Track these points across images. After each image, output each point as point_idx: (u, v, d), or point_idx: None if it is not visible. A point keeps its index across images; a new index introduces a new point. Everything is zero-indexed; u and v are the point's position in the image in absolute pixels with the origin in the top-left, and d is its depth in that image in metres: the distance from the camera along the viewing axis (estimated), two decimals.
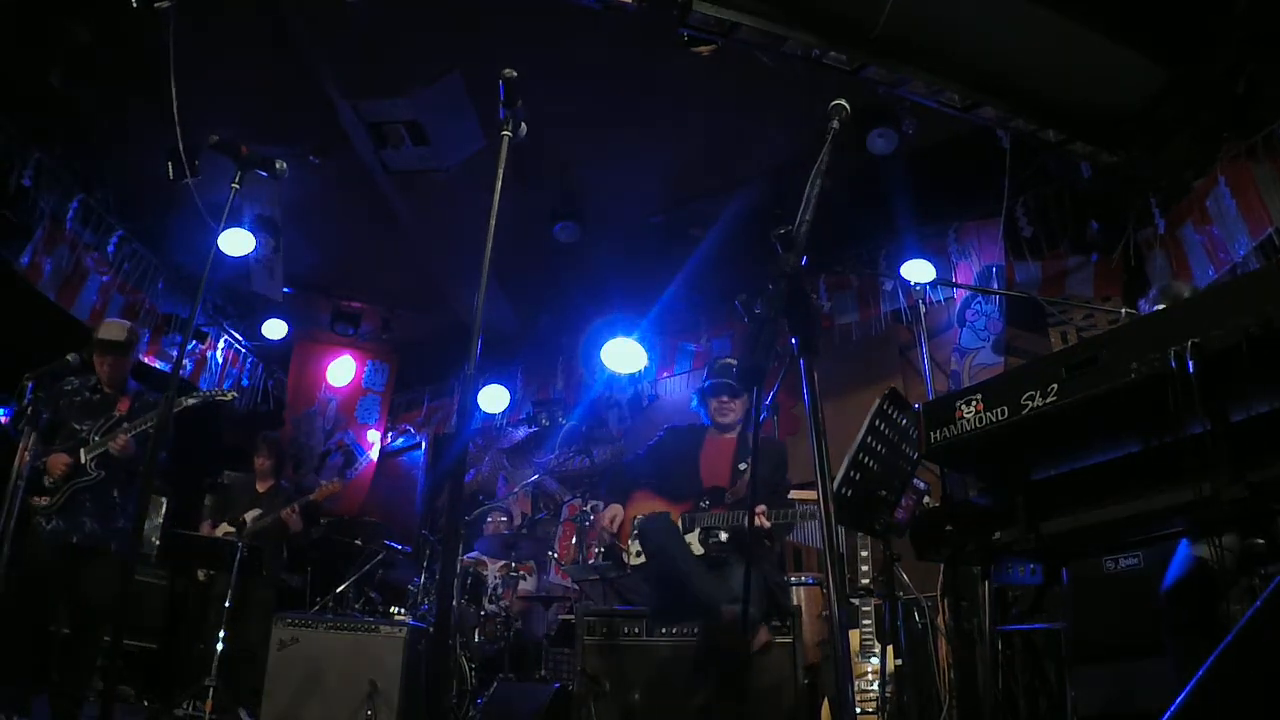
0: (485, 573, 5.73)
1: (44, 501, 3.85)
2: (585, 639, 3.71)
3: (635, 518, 3.81)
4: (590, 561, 5.55)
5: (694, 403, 4.24)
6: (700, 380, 4.30)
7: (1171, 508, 1.64)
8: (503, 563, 5.78)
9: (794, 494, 3.91)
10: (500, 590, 5.63)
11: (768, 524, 3.51)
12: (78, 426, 4.00)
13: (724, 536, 3.76)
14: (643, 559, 3.70)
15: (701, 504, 3.86)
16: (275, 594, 5.34)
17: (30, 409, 3.54)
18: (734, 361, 4.09)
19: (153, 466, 2.76)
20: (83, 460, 3.93)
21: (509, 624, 5.48)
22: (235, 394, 4.48)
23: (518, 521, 7.31)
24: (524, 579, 5.75)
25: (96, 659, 4.05)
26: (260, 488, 5.57)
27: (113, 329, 4.26)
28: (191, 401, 4.25)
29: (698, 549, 3.74)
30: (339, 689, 4.46)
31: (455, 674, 4.95)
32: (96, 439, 3.98)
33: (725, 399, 3.99)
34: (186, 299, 6.76)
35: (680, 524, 3.85)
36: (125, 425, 3.99)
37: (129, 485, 4.11)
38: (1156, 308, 3.16)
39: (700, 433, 4.09)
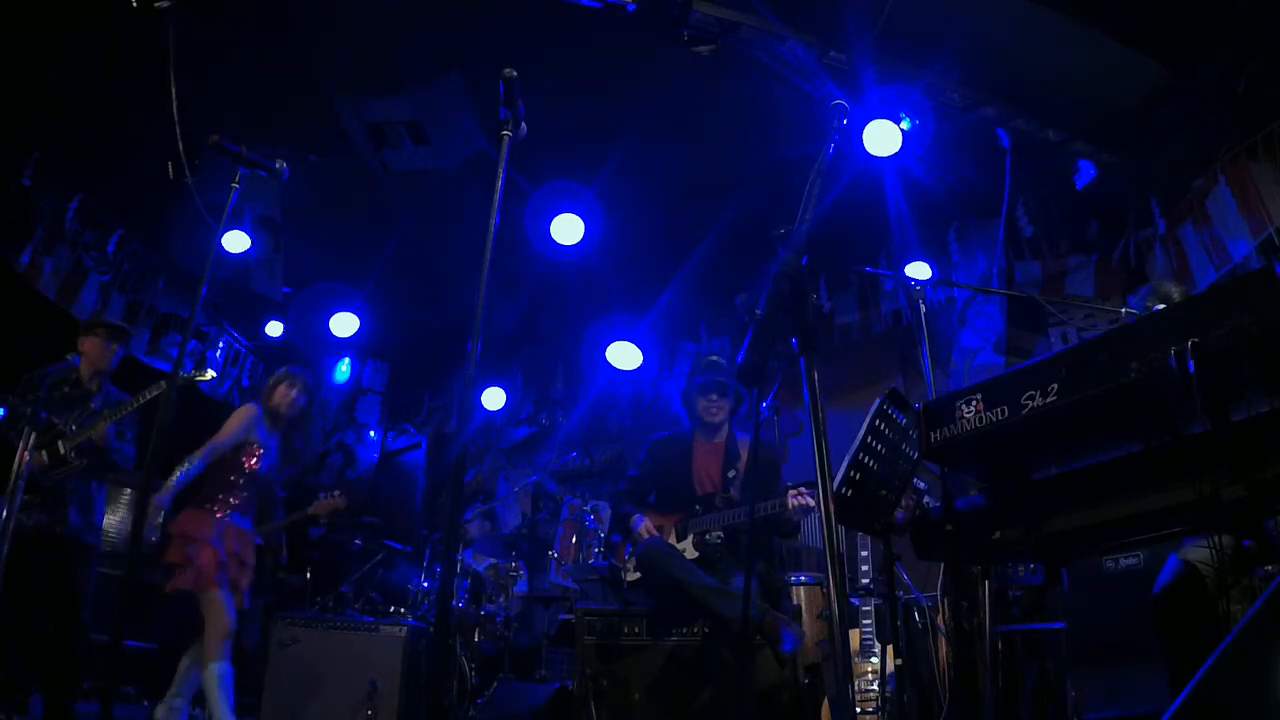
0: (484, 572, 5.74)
1: (26, 496, 3.85)
2: (585, 639, 3.71)
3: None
4: (590, 561, 5.55)
5: (679, 403, 4.21)
6: (686, 381, 4.26)
7: (1171, 508, 1.64)
8: (491, 562, 5.79)
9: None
10: (492, 589, 5.64)
11: (812, 502, 3.47)
12: (56, 421, 4.00)
13: (719, 536, 3.77)
14: (639, 575, 3.72)
15: (694, 509, 3.86)
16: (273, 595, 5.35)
17: (30, 410, 3.55)
18: (717, 359, 4.07)
19: (153, 466, 2.76)
20: (62, 451, 3.94)
21: (509, 624, 5.49)
22: (212, 373, 4.49)
23: (518, 522, 7.31)
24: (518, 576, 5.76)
25: (83, 654, 4.05)
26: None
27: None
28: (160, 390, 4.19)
29: (691, 553, 3.74)
30: (339, 689, 4.46)
31: (455, 674, 4.95)
32: (74, 429, 3.99)
33: (715, 397, 3.96)
34: (186, 299, 6.75)
35: (674, 534, 3.86)
36: (105, 413, 4.01)
37: (104, 480, 4.16)
38: (1156, 306, 3.18)
39: (687, 441, 4.06)
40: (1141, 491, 1.70)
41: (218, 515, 4.07)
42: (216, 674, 3.82)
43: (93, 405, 4.12)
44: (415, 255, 6.51)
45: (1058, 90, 4.29)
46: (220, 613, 3.88)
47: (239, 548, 4.10)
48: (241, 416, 4.26)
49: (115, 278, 6.17)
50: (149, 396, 4.03)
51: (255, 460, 4.22)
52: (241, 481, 4.18)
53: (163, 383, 4.07)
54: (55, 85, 4.74)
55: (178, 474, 3.95)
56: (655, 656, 3.65)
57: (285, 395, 4.38)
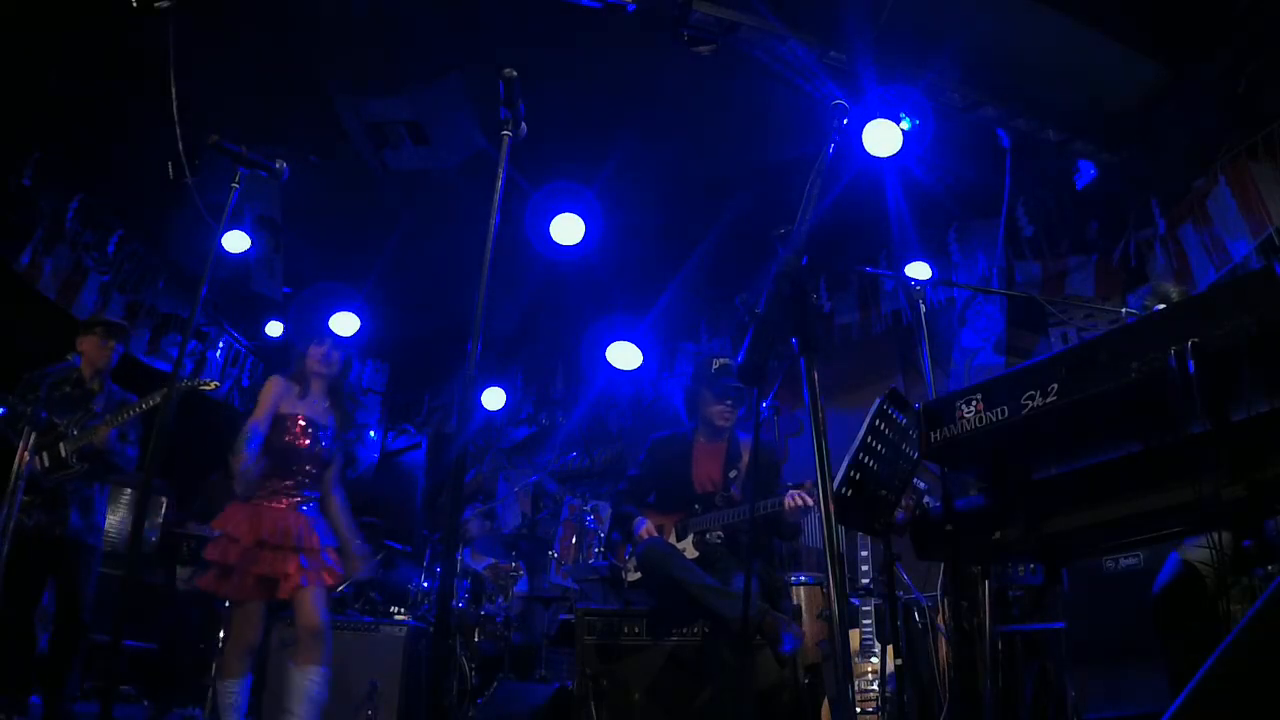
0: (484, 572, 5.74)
1: (26, 498, 3.86)
2: (585, 639, 3.71)
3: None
4: (590, 561, 5.55)
5: (680, 402, 4.21)
6: (691, 382, 4.25)
7: (1171, 508, 1.64)
8: (491, 561, 5.79)
9: None
10: (492, 589, 5.64)
11: (810, 501, 3.47)
12: (57, 421, 4.01)
13: (719, 536, 3.77)
14: (640, 575, 3.72)
15: (694, 509, 3.87)
16: None
17: (30, 410, 3.55)
18: (729, 362, 4.06)
19: (153, 467, 2.76)
20: (63, 454, 3.95)
21: (509, 624, 5.49)
22: (217, 383, 4.48)
23: (518, 522, 7.31)
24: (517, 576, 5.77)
25: (83, 655, 4.05)
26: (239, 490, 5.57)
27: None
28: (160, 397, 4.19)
29: (691, 553, 3.75)
30: (339, 689, 4.45)
31: (455, 674, 4.95)
32: (75, 433, 3.99)
33: (731, 403, 3.94)
34: (186, 299, 6.75)
35: (674, 534, 3.86)
36: (107, 418, 4.01)
37: (106, 481, 4.16)
38: (1156, 306, 3.18)
39: (687, 441, 4.06)
40: (1141, 491, 1.70)
41: (279, 506, 3.56)
42: (231, 690, 3.40)
43: (95, 406, 4.12)
44: (415, 255, 6.51)
45: (1058, 90, 4.29)
46: (244, 625, 3.43)
47: (305, 539, 3.52)
48: (266, 391, 3.79)
49: (115, 278, 6.17)
50: (151, 403, 4.04)
51: (304, 438, 3.69)
52: (293, 466, 3.65)
53: (165, 389, 4.03)
54: (55, 85, 4.73)
55: (245, 445, 3.51)
56: (655, 656, 3.65)
57: (316, 354, 3.95)
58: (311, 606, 3.49)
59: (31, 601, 3.95)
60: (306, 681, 3.38)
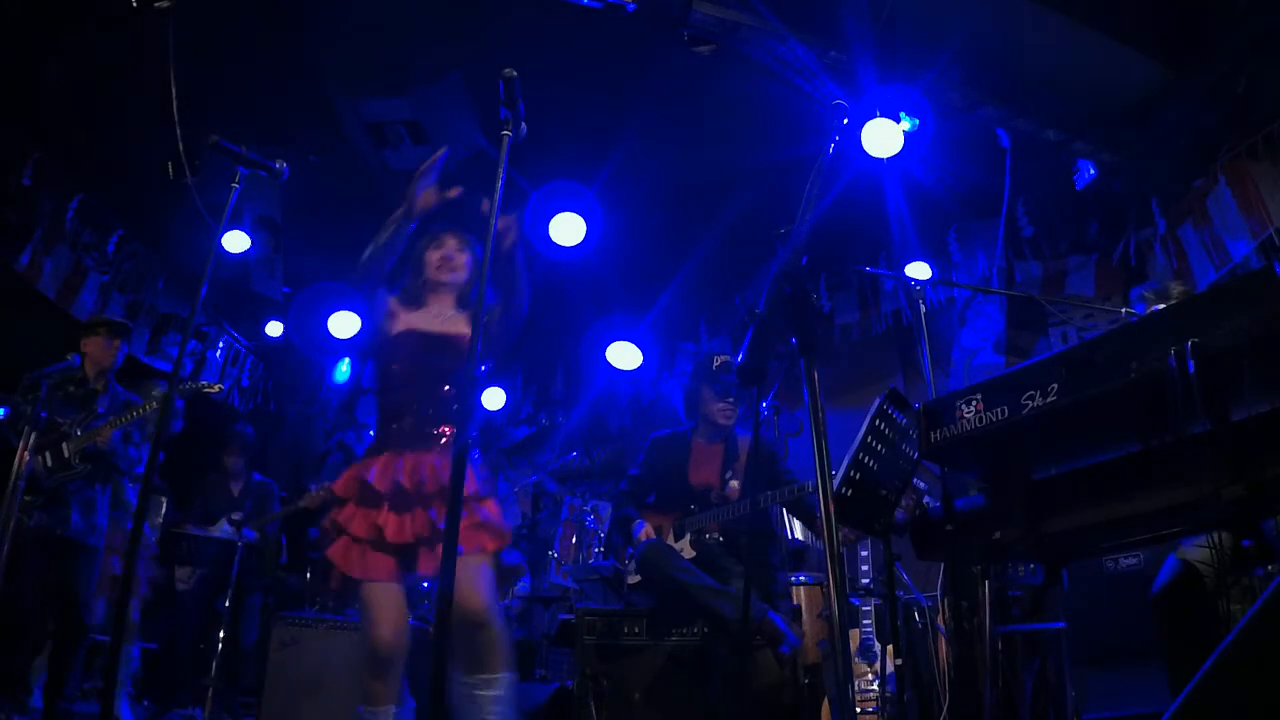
0: None
1: (27, 497, 3.86)
2: (585, 639, 3.71)
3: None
4: (590, 561, 5.55)
5: (679, 401, 4.20)
6: (691, 380, 4.25)
7: (1171, 508, 1.64)
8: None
9: None
10: None
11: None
12: (60, 421, 4.01)
13: (718, 536, 3.77)
14: (640, 578, 3.72)
15: (690, 508, 3.86)
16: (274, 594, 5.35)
17: (30, 410, 3.55)
18: (726, 358, 4.06)
19: (153, 466, 2.76)
20: (66, 454, 3.95)
21: (509, 624, 5.49)
22: (220, 386, 4.48)
23: (518, 522, 7.30)
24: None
25: (83, 654, 4.06)
26: (235, 489, 5.58)
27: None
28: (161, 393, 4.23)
29: (689, 553, 3.74)
30: (339, 689, 4.45)
31: None
32: (78, 433, 3.99)
33: (732, 400, 3.93)
34: (186, 299, 6.76)
35: (671, 533, 3.86)
36: (111, 419, 4.02)
37: (109, 481, 4.16)
38: (1156, 306, 3.18)
39: (686, 440, 4.06)
40: (1141, 491, 1.70)
41: (419, 451, 2.61)
42: None
43: (98, 407, 4.13)
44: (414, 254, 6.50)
45: (1058, 90, 4.30)
46: (371, 616, 2.52)
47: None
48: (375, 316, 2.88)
49: (115, 278, 6.17)
50: (153, 406, 4.05)
51: (432, 354, 2.76)
52: (424, 394, 2.70)
53: (166, 391, 4.04)
54: (55, 85, 4.74)
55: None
56: (655, 656, 3.64)
57: (434, 258, 3.05)
58: (471, 581, 2.45)
59: (32, 602, 3.95)
60: (485, 695, 2.43)
